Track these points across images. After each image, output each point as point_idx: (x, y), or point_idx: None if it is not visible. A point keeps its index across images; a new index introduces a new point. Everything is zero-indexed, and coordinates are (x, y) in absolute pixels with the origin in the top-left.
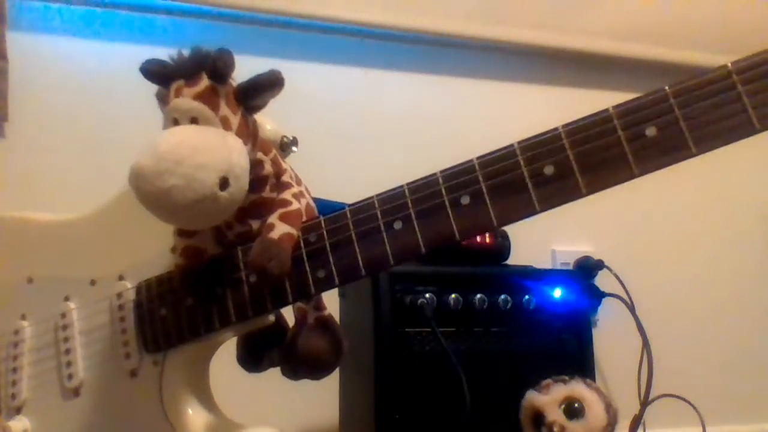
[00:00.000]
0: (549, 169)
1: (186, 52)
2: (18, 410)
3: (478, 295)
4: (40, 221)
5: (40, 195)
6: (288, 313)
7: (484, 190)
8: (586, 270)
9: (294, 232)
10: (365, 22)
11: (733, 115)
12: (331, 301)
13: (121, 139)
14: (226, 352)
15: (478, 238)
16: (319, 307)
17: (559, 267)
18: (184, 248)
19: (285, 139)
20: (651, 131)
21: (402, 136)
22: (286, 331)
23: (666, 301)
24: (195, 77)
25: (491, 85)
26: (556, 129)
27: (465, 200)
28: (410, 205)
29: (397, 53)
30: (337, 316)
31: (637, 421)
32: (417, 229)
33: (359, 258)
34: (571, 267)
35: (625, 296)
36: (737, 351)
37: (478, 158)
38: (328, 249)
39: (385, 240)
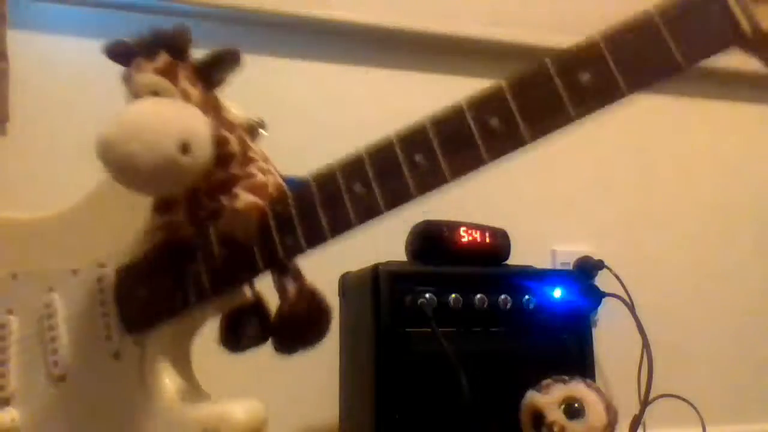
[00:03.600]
0: (495, 122)
1: (146, 33)
2: (6, 402)
3: (478, 295)
4: (19, 220)
5: (41, 194)
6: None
7: (436, 147)
8: (586, 270)
9: (259, 201)
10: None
11: (659, 54)
12: (331, 300)
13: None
14: (226, 352)
15: (478, 238)
16: (297, 276)
17: (559, 267)
18: (162, 224)
19: (253, 122)
20: (585, 77)
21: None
22: (267, 311)
23: (666, 301)
24: (155, 54)
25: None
26: (500, 83)
27: (419, 158)
28: (368, 167)
29: (395, 52)
30: (337, 316)
31: (637, 421)
32: (376, 189)
33: (323, 221)
34: (571, 267)
35: (625, 296)
36: (737, 351)
37: (429, 118)
38: (294, 215)
39: (347, 203)
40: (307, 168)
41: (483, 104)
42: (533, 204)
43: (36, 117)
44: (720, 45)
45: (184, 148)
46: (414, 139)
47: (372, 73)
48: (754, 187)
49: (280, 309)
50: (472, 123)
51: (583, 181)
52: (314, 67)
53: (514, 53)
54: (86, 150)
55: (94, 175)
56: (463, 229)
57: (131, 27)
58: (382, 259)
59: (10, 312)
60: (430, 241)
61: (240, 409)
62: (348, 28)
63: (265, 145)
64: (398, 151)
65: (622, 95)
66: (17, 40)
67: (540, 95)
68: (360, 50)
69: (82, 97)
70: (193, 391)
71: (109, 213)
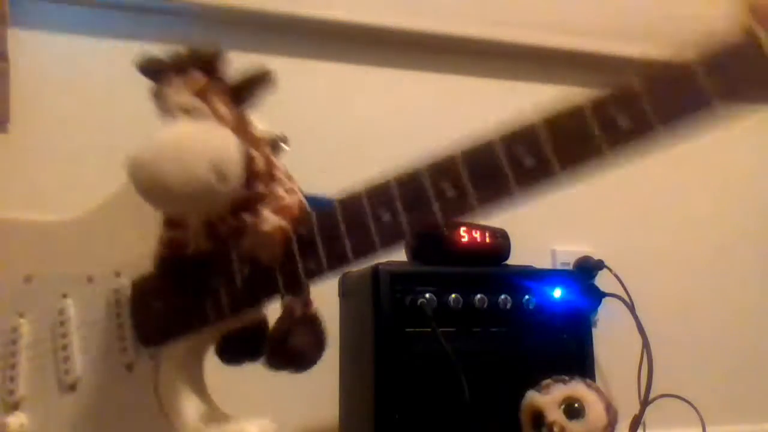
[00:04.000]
0: (526, 158)
1: (180, 49)
2: (15, 406)
3: (478, 295)
4: (36, 222)
5: (42, 194)
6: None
7: (466, 180)
8: (586, 270)
9: (285, 224)
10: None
11: (698, 103)
12: (331, 300)
13: (123, 138)
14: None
15: (478, 238)
16: (307, 302)
17: (559, 267)
18: (167, 239)
19: (276, 138)
20: (623, 120)
21: (402, 136)
22: (263, 324)
23: (666, 301)
24: (189, 73)
25: (493, 84)
26: (532, 120)
27: (449, 191)
28: (397, 195)
29: (397, 53)
30: (337, 316)
31: (637, 421)
32: (403, 218)
33: (347, 247)
34: (571, 267)
35: (625, 296)
36: (737, 351)
37: (460, 149)
38: (318, 241)
39: (373, 229)
40: (307, 168)
41: (515, 138)
42: (533, 204)
43: (37, 117)
44: (760, 92)
45: (219, 173)
46: (443, 170)
47: (372, 74)
48: (755, 187)
49: (279, 328)
50: (503, 157)
51: (583, 181)
52: (314, 66)
53: (514, 53)
54: (85, 150)
55: (93, 175)
56: (463, 229)
57: (133, 26)
58: (382, 259)
59: (21, 315)
60: (430, 241)
61: (254, 429)
62: (348, 28)
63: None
64: (427, 180)
65: (657, 138)
66: (18, 40)
67: (573, 134)
68: (360, 50)
69: (83, 97)
70: (205, 407)
71: (127, 221)
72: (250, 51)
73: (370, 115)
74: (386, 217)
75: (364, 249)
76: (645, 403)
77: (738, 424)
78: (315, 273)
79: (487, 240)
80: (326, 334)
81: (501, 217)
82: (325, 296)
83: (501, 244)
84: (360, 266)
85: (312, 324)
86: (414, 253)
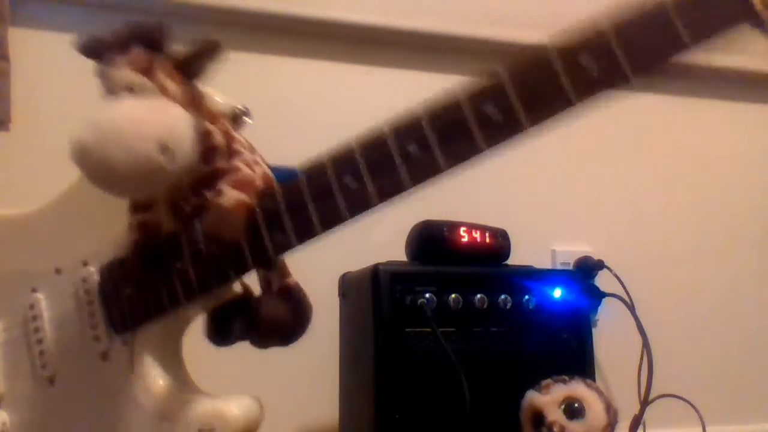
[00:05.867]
0: (492, 109)
1: (122, 27)
2: None
3: (478, 295)
4: None
5: (42, 194)
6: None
7: (430, 137)
8: (586, 270)
9: (245, 198)
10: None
11: (665, 35)
12: (331, 300)
13: None
14: (225, 352)
15: (478, 238)
16: (284, 274)
17: (559, 267)
18: (138, 224)
19: (237, 110)
20: (587, 61)
21: None
22: (250, 300)
23: (666, 301)
24: (130, 48)
25: None
26: (499, 72)
27: (413, 149)
28: (360, 159)
29: (397, 53)
30: (337, 316)
31: (637, 421)
32: (369, 182)
33: (314, 216)
34: (571, 267)
35: (625, 296)
36: (737, 351)
37: (423, 107)
38: (284, 212)
39: (338, 196)
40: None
41: (480, 91)
42: (533, 204)
43: (37, 116)
44: (729, 22)
45: (164, 149)
46: (407, 129)
47: (372, 73)
48: (755, 187)
49: (260, 303)
50: (468, 111)
51: (583, 181)
52: (314, 66)
53: (515, 53)
54: None
55: None
56: (463, 229)
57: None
58: (382, 259)
59: None
60: (430, 241)
61: (235, 406)
62: (348, 28)
63: (263, 146)
64: (390, 141)
65: (626, 80)
66: (19, 40)
67: (539, 81)
68: (360, 50)
69: (83, 97)
70: (185, 388)
71: (91, 209)
72: (250, 51)
73: (371, 117)
74: (352, 183)
75: (332, 218)
76: (645, 403)
77: (738, 424)
78: (283, 246)
79: (487, 240)
80: (308, 304)
81: (501, 217)
82: (325, 296)
83: (501, 244)
84: (328, 236)
85: (289, 295)
86: (414, 253)
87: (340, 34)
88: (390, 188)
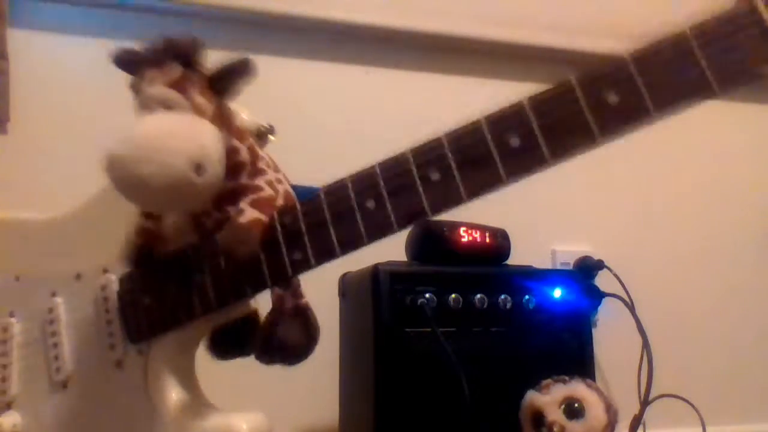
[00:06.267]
0: (515, 141)
1: (157, 41)
2: (8, 406)
3: (478, 295)
4: (23, 220)
5: (41, 194)
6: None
7: (453, 164)
8: (586, 270)
9: (263, 217)
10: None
11: (692, 78)
12: (331, 300)
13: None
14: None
15: (478, 238)
16: (297, 294)
17: (559, 267)
18: (139, 228)
19: (262, 128)
20: (612, 98)
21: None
22: (256, 317)
23: (666, 301)
24: (166, 65)
25: (494, 85)
26: (520, 101)
27: (434, 176)
28: (381, 183)
29: (397, 53)
30: (336, 316)
31: (637, 421)
32: (389, 206)
33: (334, 238)
34: (571, 267)
35: (625, 296)
36: (737, 351)
37: (445, 134)
38: (303, 231)
39: (359, 219)
40: (306, 167)
41: (503, 121)
42: (533, 204)
43: (37, 116)
44: (756, 66)
45: (198, 168)
46: (430, 156)
47: (372, 73)
48: (755, 187)
49: (270, 321)
50: (490, 140)
51: (583, 181)
52: (314, 67)
53: (515, 53)
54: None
55: (94, 175)
56: (463, 229)
57: (132, 26)
58: (382, 259)
59: (11, 315)
60: (430, 241)
61: (244, 423)
62: (348, 28)
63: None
64: (413, 167)
65: (649, 117)
66: (18, 40)
67: (563, 115)
68: (360, 50)
69: (83, 97)
70: (198, 402)
71: (114, 217)
72: (251, 52)
73: (371, 117)
74: (371, 205)
75: (351, 239)
76: (645, 403)
77: (738, 424)
78: (301, 264)
79: (487, 240)
80: (318, 327)
81: (501, 217)
82: (325, 296)
83: (501, 244)
84: (348, 256)
85: (302, 316)
86: (414, 253)
87: (339, 34)
88: (410, 213)
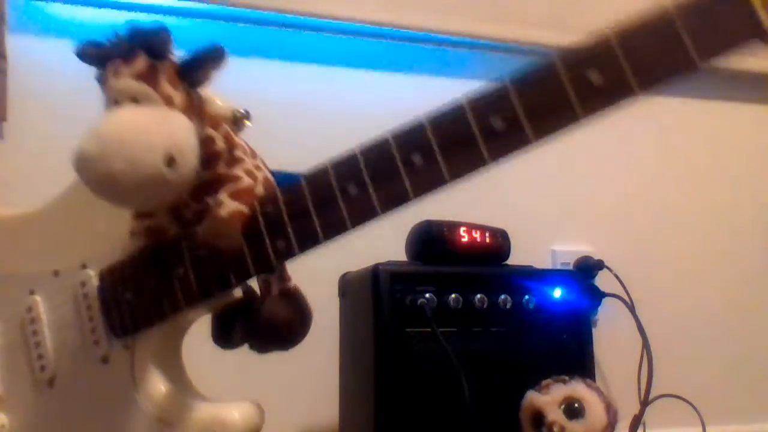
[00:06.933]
0: (497, 121)
1: (121, 30)
2: None
3: (478, 295)
4: None
5: (39, 195)
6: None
7: (435, 147)
8: (586, 270)
9: (244, 208)
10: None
11: (674, 54)
12: (331, 300)
13: None
14: (225, 352)
15: (478, 238)
16: (284, 278)
17: (559, 267)
18: (144, 229)
19: (237, 114)
20: (594, 75)
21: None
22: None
23: (666, 301)
24: (132, 56)
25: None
26: (504, 82)
27: (417, 159)
28: (363, 168)
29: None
30: (336, 316)
31: (637, 421)
32: (372, 191)
33: (317, 224)
34: (571, 267)
35: (625, 296)
36: (737, 351)
37: (427, 117)
38: (286, 219)
39: (342, 205)
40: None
41: (485, 103)
42: (533, 204)
43: (34, 117)
44: (738, 40)
45: (170, 161)
46: (411, 139)
47: (373, 74)
48: (755, 187)
49: (260, 305)
50: (473, 122)
51: (583, 181)
52: (314, 68)
53: (514, 51)
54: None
55: None
56: (463, 229)
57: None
58: (382, 259)
59: None
60: (430, 241)
61: (235, 412)
62: (348, 28)
63: (263, 149)
64: (395, 150)
65: (633, 95)
66: (16, 40)
67: (546, 94)
68: (360, 50)
69: (80, 97)
70: (186, 393)
71: (89, 211)
72: (254, 53)
73: (370, 117)
74: (354, 191)
75: (334, 226)
76: (645, 403)
77: (738, 424)
78: (285, 253)
79: (487, 240)
80: (308, 306)
81: (501, 217)
82: (325, 296)
83: (501, 244)
84: (331, 244)
85: (290, 298)
86: (414, 253)
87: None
88: (393, 197)
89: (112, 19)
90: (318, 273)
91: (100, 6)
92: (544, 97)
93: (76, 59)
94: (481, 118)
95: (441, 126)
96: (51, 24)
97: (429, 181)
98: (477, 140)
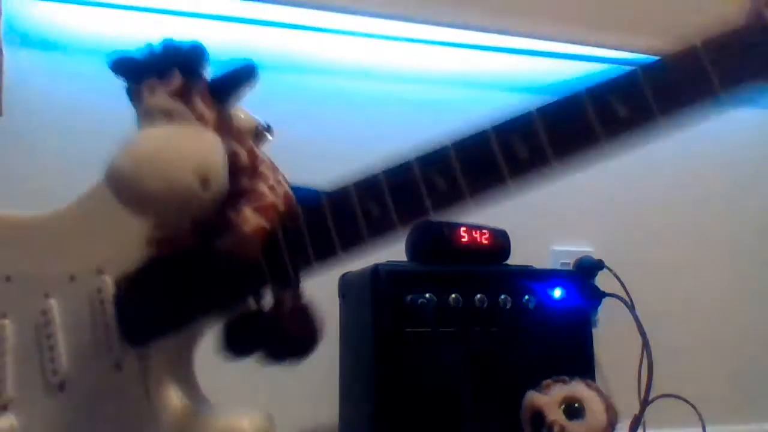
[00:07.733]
0: (522, 150)
1: (156, 47)
2: (4, 408)
3: (478, 295)
4: (14, 219)
5: (37, 193)
6: None
7: (459, 173)
8: (586, 270)
9: (266, 224)
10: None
11: (701, 89)
12: (331, 300)
13: (119, 136)
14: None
15: (478, 238)
16: (297, 293)
17: (559, 267)
18: (163, 239)
19: (259, 128)
20: (622, 111)
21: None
22: (264, 314)
23: (666, 301)
24: (168, 73)
25: None
26: (530, 111)
27: (440, 184)
28: (386, 190)
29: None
30: (336, 316)
31: (637, 421)
32: (392, 211)
33: (336, 241)
34: (571, 267)
35: (625, 296)
36: (737, 351)
37: (452, 142)
38: (306, 234)
39: (361, 223)
40: (306, 167)
41: (509, 129)
42: (533, 204)
43: (29, 114)
44: (760, 76)
45: (204, 182)
46: (435, 162)
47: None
48: (755, 187)
49: (274, 322)
50: (496, 147)
51: (583, 181)
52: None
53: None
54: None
55: (92, 173)
56: (463, 229)
57: (131, 27)
58: (382, 259)
59: (4, 316)
60: (430, 241)
61: (247, 422)
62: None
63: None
64: (418, 174)
65: (656, 125)
66: (13, 39)
67: (571, 124)
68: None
69: (78, 97)
70: (198, 402)
71: (107, 216)
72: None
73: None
74: (375, 211)
75: (353, 244)
76: (645, 403)
77: (738, 424)
78: (303, 268)
79: (487, 240)
80: (321, 324)
81: (501, 217)
82: (325, 296)
83: (501, 244)
84: (350, 260)
85: (303, 313)
86: (414, 253)
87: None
88: (413, 216)
89: (116, 18)
90: (318, 273)
91: (104, 5)
92: (569, 127)
93: (73, 58)
94: (505, 144)
95: (466, 151)
96: (50, 21)
97: (450, 204)
98: (500, 166)
